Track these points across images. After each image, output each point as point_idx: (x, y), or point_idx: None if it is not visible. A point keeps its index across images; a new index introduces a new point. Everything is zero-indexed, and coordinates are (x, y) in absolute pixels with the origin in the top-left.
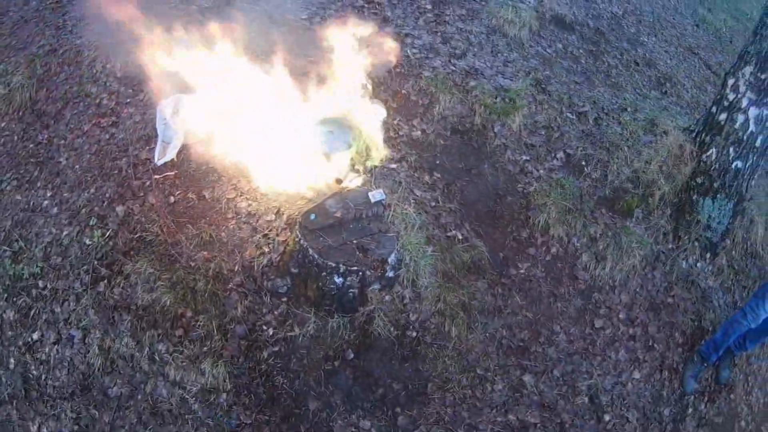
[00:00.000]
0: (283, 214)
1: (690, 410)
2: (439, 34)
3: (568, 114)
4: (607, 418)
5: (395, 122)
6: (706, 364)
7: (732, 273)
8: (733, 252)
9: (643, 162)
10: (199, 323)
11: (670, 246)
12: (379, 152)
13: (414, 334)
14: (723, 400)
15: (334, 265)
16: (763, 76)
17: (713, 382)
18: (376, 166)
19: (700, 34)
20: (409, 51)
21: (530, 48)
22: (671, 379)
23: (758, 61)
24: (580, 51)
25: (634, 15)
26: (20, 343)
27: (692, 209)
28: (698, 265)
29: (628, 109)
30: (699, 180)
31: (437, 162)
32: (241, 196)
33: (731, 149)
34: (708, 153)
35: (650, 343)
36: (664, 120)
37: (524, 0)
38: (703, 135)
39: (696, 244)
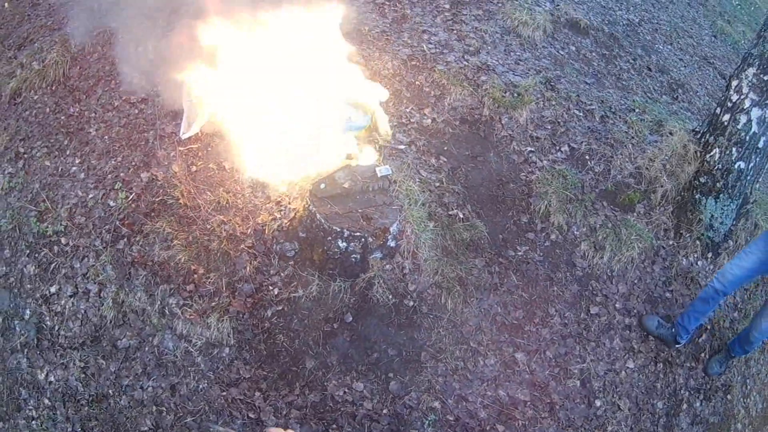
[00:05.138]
0: (296, 185)
1: (684, 406)
2: (455, 32)
3: (575, 111)
4: (598, 403)
5: (407, 110)
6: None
7: None
8: (735, 254)
9: (647, 159)
10: (209, 280)
11: (670, 242)
12: (387, 133)
13: (411, 303)
14: (719, 400)
15: (338, 229)
16: (766, 78)
17: (704, 374)
18: (385, 146)
19: (717, 45)
20: (425, 46)
21: (543, 49)
22: (666, 373)
23: (761, 63)
24: (593, 54)
25: (650, 23)
26: (38, 295)
27: (695, 208)
28: (699, 263)
29: (636, 110)
30: (702, 179)
31: (445, 148)
32: (259, 167)
33: (734, 150)
34: (711, 153)
35: (646, 334)
36: (672, 122)
37: (540, 3)
38: (708, 135)
39: (698, 242)
